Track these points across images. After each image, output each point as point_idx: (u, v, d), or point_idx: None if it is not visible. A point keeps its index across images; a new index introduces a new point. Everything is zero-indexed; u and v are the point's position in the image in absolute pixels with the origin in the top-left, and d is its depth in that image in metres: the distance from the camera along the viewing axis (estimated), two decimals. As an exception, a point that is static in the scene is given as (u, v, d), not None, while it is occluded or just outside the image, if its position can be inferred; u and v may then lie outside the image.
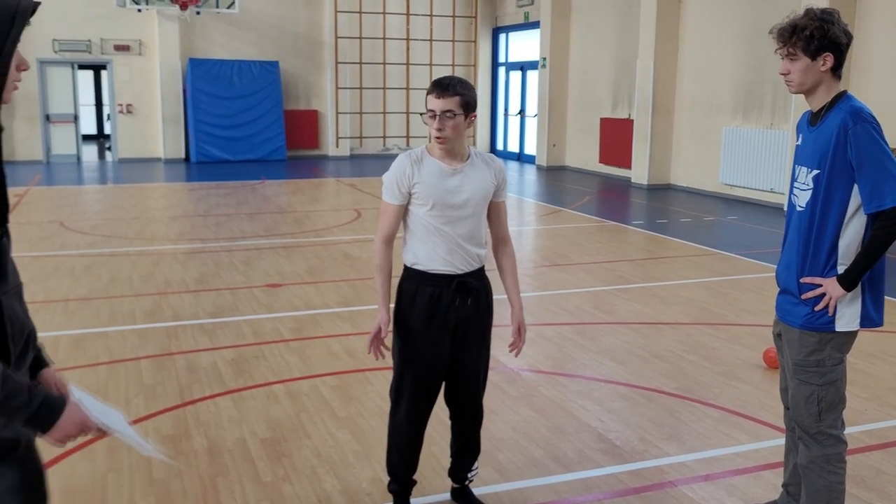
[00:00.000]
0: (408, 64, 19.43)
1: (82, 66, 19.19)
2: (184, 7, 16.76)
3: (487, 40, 20.66)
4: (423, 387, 3.23)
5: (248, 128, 18.01)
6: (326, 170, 17.14)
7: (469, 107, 3.05)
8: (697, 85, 13.77)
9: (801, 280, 2.87)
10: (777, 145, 12.07)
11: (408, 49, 19.42)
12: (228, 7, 17.55)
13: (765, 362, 5.20)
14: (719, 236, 10.05)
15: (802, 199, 2.88)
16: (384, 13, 19.16)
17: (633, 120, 14.94)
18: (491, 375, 4.93)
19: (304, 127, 19.13)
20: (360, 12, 18.81)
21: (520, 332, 3.36)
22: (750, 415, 4.45)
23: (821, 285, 2.82)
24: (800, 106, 11.16)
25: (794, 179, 2.95)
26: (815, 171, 2.81)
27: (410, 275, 3.17)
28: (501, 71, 20.64)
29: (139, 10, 17.17)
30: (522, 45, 19.62)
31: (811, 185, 2.83)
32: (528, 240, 9.96)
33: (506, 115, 20.54)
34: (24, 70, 1.92)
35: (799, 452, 3.02)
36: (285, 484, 3.62)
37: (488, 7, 20.44)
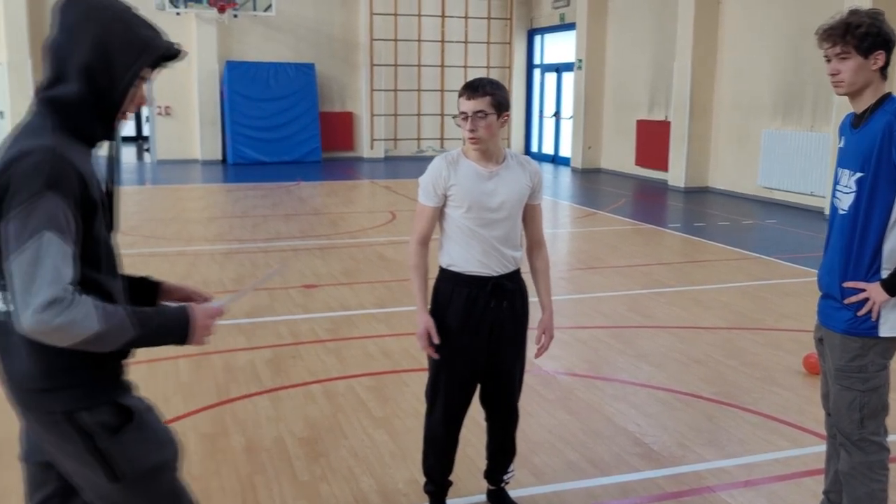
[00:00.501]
0: (442, 66, 19.46)
1: (122, 69, 19.45)
2: (221, 10, 16.96)
3: (523, 42, 20.61)
4: (459, 388, 3.23)
5: (283, 130, 18.16)
6: (361, 171, 17.22)
7: (501, 106, 3.04)
8: (736, 86, 13.60)
9: (844, 284, 2.82)
10: (818, 148, 11.88)
11: (442, 51, 19.45)
12: (265, 10, 17.72)
13: (805, 368, 5.11)
14: (758, 240, 9.92)
15: (845, 202, 2.83)
16: (419, 15, 19.21)
17: (670, 122, 14.81)
18: (527, 378, 4.91)
19: (339, 129, 19.25)
20: (396, 14, 18.89)
21: (545, 335, 3.33)
22: (790, 421, 4.38)
23: (864, 290, 2.77)
24: (842, 108, 10.96)
25: (836, 182, 2.90)
26: (859, 174, 2.76)
27: (446, 276, 3.17)
28: (536, 73, 20.58)
29: (178, 14, 17.40)
30: (558, 47, 19.54)
31: (854, 189, 2.78)
32: (563, 242, 9.91)
33: (541, 116, 20.47)
34: (141, 105, 2.03)
35: (840, 459, 2.97)
36: (322, 483, 3.64)
37: (524, 9, 20.40)
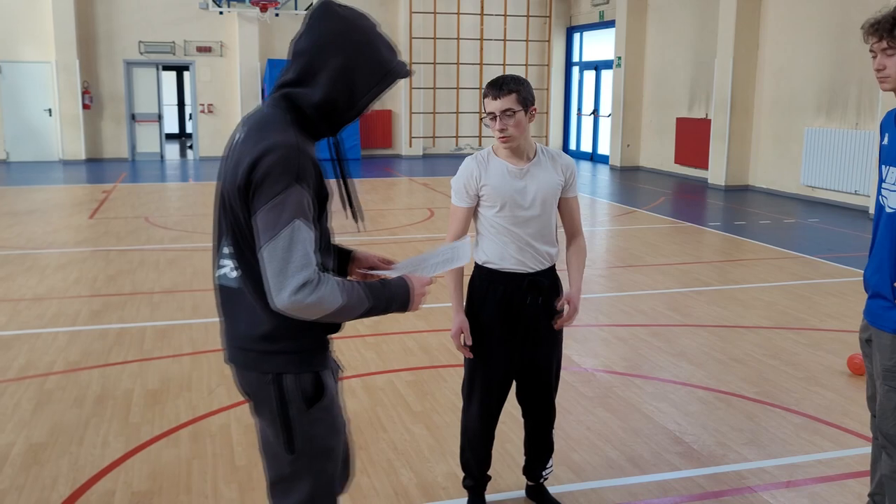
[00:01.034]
0: (481, 64, 19.45)
1: (166, 68, 19.83)
2: (263, 9, 17.16)
3: (561, 40, 20.53)
4: (495, 384, 3.25)
5: (323, 127, 18.31)
6: (400, 169, 17.31)
7: (527, 102, 3.04)
8: (778, 84, 13.41)
9: (895, 284, 2.77)
10: (862, 146, 11.67)
11: (481, 49, 19.45)
12: (306, 9, 17.87)
13: (849, 369, 5.05)
14: (800, 239, 9.78)
15: (894, 200, 2.77)
16: (458, 13, 19.23)
17: (710, 120, 14.65)
18: (566, 375, 4.93)
19: (378, 126, 19.36)
20: (435, 13, 18.93)
21: (570, 305, 3.18)
22: (833, 422, 4.33)
23: None
24: (888, 105, 10.75)
25: (882, 180, 2.85)
26: None
27: (482, 273, 3.19)
28: (575, 70, 20.49)
29: (220, 13, 17.65)
30: (597, 45, 19.43)
31: None
32: (601, 240, 9.87)
33: (579, 114, 20.38)
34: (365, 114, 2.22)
35: (882, 462, 2.92)
36: (363, 476, 3.68)
37: (563, 6, 20.31)
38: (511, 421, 3.89)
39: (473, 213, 3.18)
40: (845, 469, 3.82)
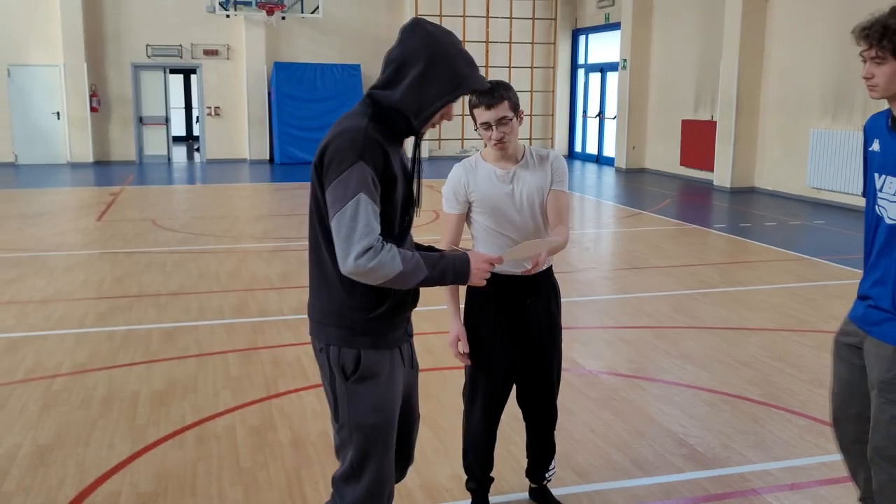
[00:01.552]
0: (487, 66, 19.47)
1: (173, 71, 19.89)
2: (270, 13, 17.23)
3: (567, 42, 20.54)
4: (497, 388, 3.26)
5: (330, 130, 18.34)
6: (405, 171, 17.30)
7: (517, 106, 3.03)
8: (784, 85, 13.38)
9: None
10: (869, 148, 11.63)
11: (487, 52, 19.48)
12: (313, 12, 17.94)
13: (854, 371, 5.03)
14: (806, 241, 9.76)
15: (894, 210, 2.67)
16: (464, 16, 19.27)
17: (715, 121, 14.63)
18: (569, 377, 4.94)
19: (383, 129, 19.37)
20: (440, 15, 18.96)
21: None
22: (838, 424, 4.32)
23: None
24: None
25: (877, 190, 2.74)
26: None
27: None
28: (581, 73, 20.49)
29: (227, 17, 17.72)
30: (602, 47, 19.43)
31: None
32: (606, 242, 9.87)
33: (585, 117, 20.37)
34: (448, 120, 2.47)
35: (873, 475, 2.81)
36: (367, 477, 3.69)
37: (568, 9, 20.32)
38: (514, 423, 3.89)
39: (467, 220, 3.19)
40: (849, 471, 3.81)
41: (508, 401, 3.34)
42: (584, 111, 20.34)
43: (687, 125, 15.95)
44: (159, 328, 5.99)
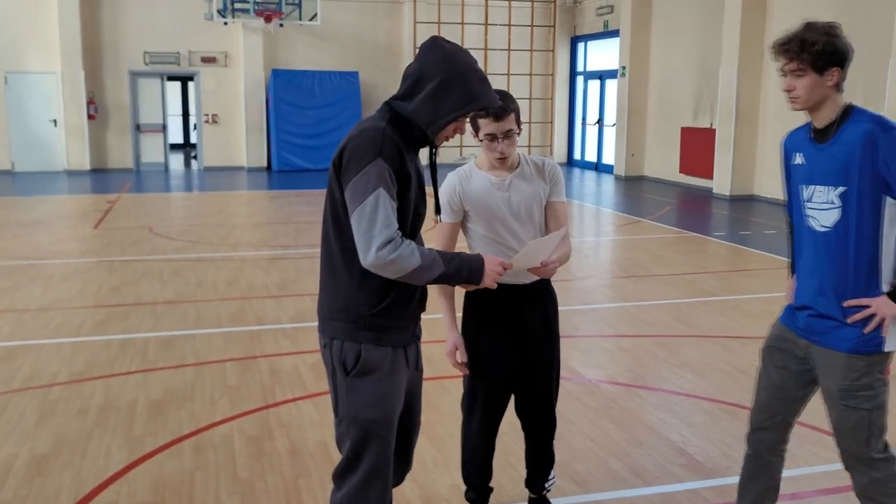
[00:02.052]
0: (486, 74, 19.48)
1: (171, 78, 19.92)
2: (268, 20, 17.24)
3: (566, 49, 20.57)
4: (496, 398, 3.25)
5: (328, 137, 18.36)
6: (403, 179, 17.31)
7: (520, 117, 3.02)
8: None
9: (846, 304, 2.69)
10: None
11: (486, 59, 19.50)
12: (311, 19, 17.96)
13: (854, 379, 5.02)
14: (805, 249, 9.74)
15: (826, 219, 2.70)
16: (462, 24, 19.30)
17: (715, 129, 14.65)
18: (569, 386, 4.92)
19: (382, 136, 19.38)
20: (439, 23, 19.00)
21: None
22: (839, 433, 4.31)
23: (868, 306, 2.65)
24: (893, 114, 10.74)
25: (805, 201, 2.79)
26: (841, 189, 2.65)
27: (477, 288, 3.16)
28: (580, 80, 20.52)
29: (225, 24, 17.74)
30: (601, 54, 19.47)
31: (839, 204, 2.66)
32: (606, 250, 9.86)
33: (584, 124, 20.40)
34: (460, 134, 2.60)
35: (852, 481, 2.88)
36: (365, 487, 3.67)
37: (567, 16, 20.37)
38: (513, 432, 3.87)
39: (464, 229, 3.17)
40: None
41: (507, 410, 3.32)
42: (583, 118, 20.37)
43: (686, 133, 15.97)
44: (156, 337, 5.96)
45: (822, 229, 2.73)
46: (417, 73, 2.44)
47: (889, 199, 2.62)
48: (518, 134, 3.03)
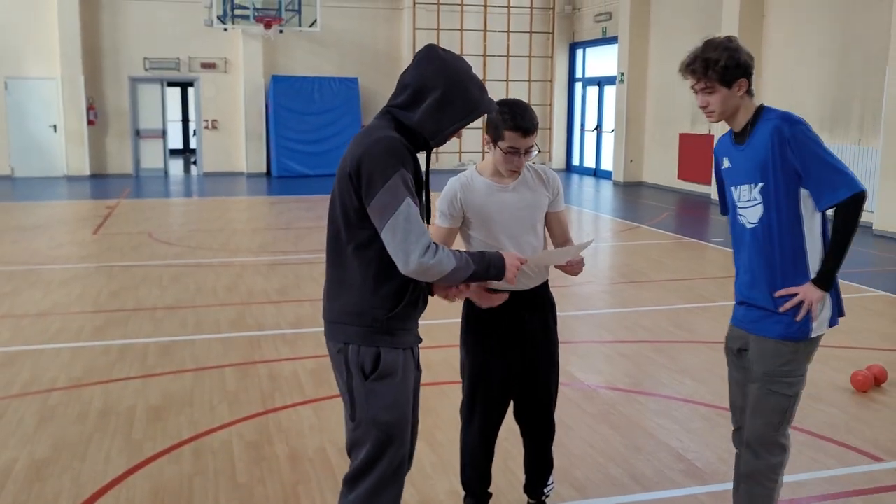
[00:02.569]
0: (484, 80, 19.52)
1: (171, 84, 19.94)
2: (268, 26, 17.27)
3: (564, 56, 20.62)
4: (495, 402, 3.26)
5: (327, 143, 18.38)
6: (403, 184, 17.31)
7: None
8: (781, 100, 13.42)
9: (777, 294, 2.83)
10: (866, 162, 11.67)
11: (485, 65, 19.54)
12: (310, 26, 17.99)
13: (853, 385, 5.04)
14: (804, 255, 9.76)
15: (752, 215, 2.86)
16: (461, 30, 19.35)
17: (713, 135, 14.68)
18: (568, 392, 4.92)
19: (381, 142, 19.40)
20: (438, 29, 19.04)
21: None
22: (837, 439, 4.32)
23: (796, 294, 2.80)
24: (890, 122, 10.78)
25: (736, 201, 2.93)
26: (761, 185, 2.81)
27: None
28: (578, 86, 20.56)
29: (225, 30, 17.77)
30: (599, 61, 19.51)
31: (760, 199, 2.82)
32: (604, 256, 9.88)
33: (582, 130, 20.43)
34: (458, 137, 2.61)
35: (743, 461, 3.00)
36: (364, 493, 3.67)
37: (565, 23, 20.42)
38: (513, 437, 3.88)
39: (463, 235, 3.18)
40: (849, 486, 3.80)
41: (506, 415, 3.33)
42: (582, 125, 20.40)
43: (684, 139, 16.00)
44: (156, 342, 5.97)
45: (751, 226, 2.88)
46: (417, 83, 2.46)
47: (804, 190, 2.76)
48: (539, 151, 3.08)
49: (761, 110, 2.86)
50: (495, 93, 3.57)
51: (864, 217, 10.03)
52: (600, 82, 19.44)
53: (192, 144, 22.49)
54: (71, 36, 17.31)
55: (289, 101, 18.30)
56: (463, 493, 3.43)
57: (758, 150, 2.81)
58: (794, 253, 2.81)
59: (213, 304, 7.11)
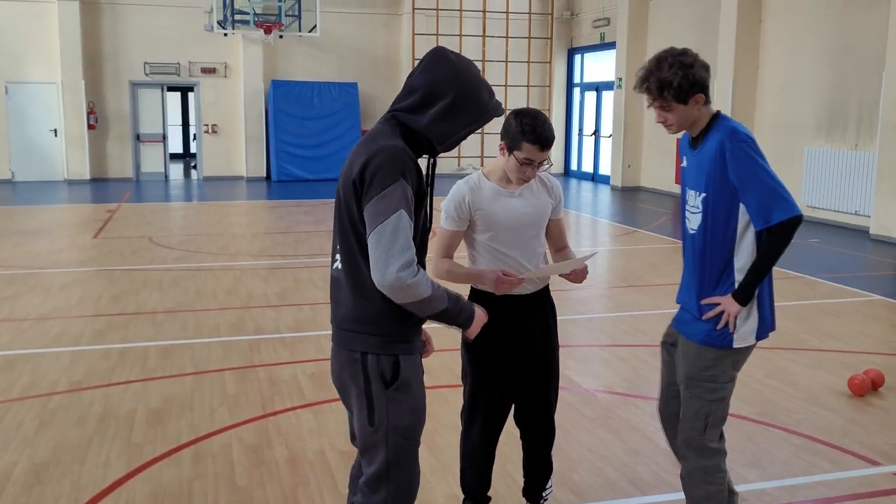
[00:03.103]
0: (483, 84, 19.56)
1: (171, 88, 19.98)
2: (268, 31, 17.31)
3: (563, 61, 20.67)
4: (497, 408, 3.28)
5: (327, 147, 18.42)
6: (402, 189, 17.33)
7: None
8: (778, 104, 13.48)
9: (702, 302, 2.91)
10: (863, 166, 11.71)
11: (483, 70, 19.57)
12: (310, 31, 18.04)
13: (849, 389, 5.06)
14: (801, 259, 9.79)
15: (694, 222, 2.92)
16: (460, 35, 19.39)
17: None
18: (566, 396, 4.94)
19: (380, 146, 19.43)
20: (437, 34, 19.09)
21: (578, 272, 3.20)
22: (834, 443, 4.34)
23: (718, 304, 2.87)
24: (887, 127, 10.82)
25: (685, 203, 3.00)
26: (703, 195, 2.86)
27: (479, 298, 3.20)
28: (576, 91, 20.61)
29: (225, 35, 17.80)
30: (597, 66, 19.56)
31: (700, 209, 2.88)
32: (602, 260, 9.90)
33: (580, 135, 20.47)
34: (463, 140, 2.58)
35: (682, 465, 3.07)
36: (363, 496, 3.69)
37: (564, 28, 20.47)
38: (512, 441, 3.90)
39: (468, 239, 3.20)
40: (846, 490, 3.82)
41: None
42: (580, 129, 20.44)
43: (682, 144, 16.01)
44: (156, 346, 5.99)
45: (692, 231, 2.95)
46: (426, 87, 2.43)
47: (742, 206, 2.80)
48: (551, 164, 3.14)
49: (715, 118, 2.89)
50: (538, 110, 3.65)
51: (861, 221, 10.11)
52: (598, 87, 19.48)
53: (193, 149, 22.52)
54: (72, 40, 17.35)
55: (288, 105, 18.33)
56: (462, 497, 3.45)
57: (704, 161, 2.87)
58: (723, 265, 2.87)
59: (212, 307, 7.13)
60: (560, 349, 3.41)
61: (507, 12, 19.80)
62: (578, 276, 3.17)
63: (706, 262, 2.90)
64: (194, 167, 20.45)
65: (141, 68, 18.20)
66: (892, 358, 5.83)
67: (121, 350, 5.87)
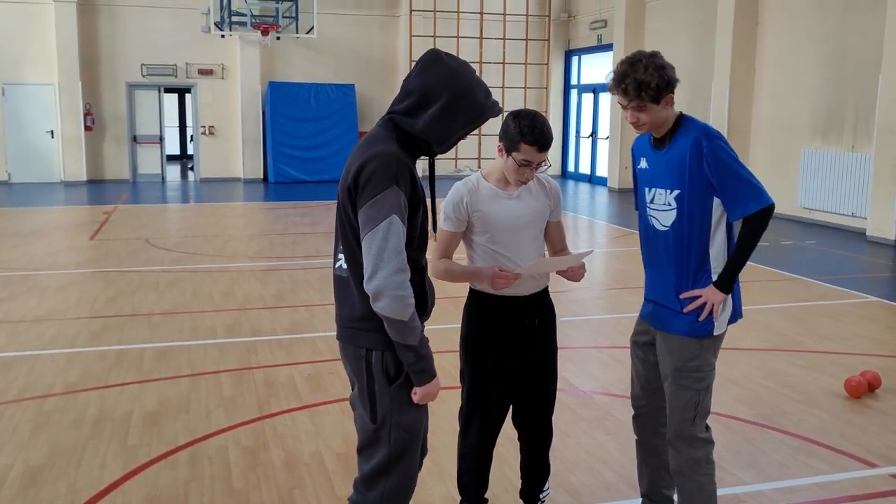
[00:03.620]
0: (481, 86, 19.56)
1: (168, 90, 19.95)
2: (265, 33, 17.31)
3: (560, 63, 20.68)
4: (494, 409, 3.27)
5: (324, 149, 18.41)
6: (399, 190, 17.32)
7: None
8: (775, 106, 13.50)
9: (682, 296, 3.00)
10: (859, 168, 11.73)
11: (481, 72, 19.54)
12: (307, 32, 18.03)
13: (846, 391, 5.06)
14: (797, 261, 9.81)
15: (665, 219, 3.01)
16: (458, 37, 19.40)
17: (708, 142, 14.72)
18: (563, 398, 4.93)
19: (377, 148, 19.43)
20: (434, 36, 19.09)
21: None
22: (830, 444, 4.34)
23: (700, 296, 2.96)
24: (884, 128, 10.84)
25: (648, 202, 3.08)
26: (676, 192, 2.96)
27: (477, 299, 3.21)
28: (573, 93, 20.62)
29: (222, 36, 17.79)
30: (595, 68, 19.57)
31: (674, 205, 2.97)
32: (599, 262, 9.90)
33: (577, 137, 20.48)
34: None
35: (670, 458, 3.12)
36: (360, 498, 3.68)
37: (561, 30, 20.49)
38: (509, 443, 3.89)
39: (466, 240, 3.20)
40: (843, 492, 3.82)
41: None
42: (577, 131, 20.45)
43: (679, 145, 16.02)
44: (152, 348, 5.97)
45: (663, 229, 3.02)
46: (422, 89, 2.44)
47: (717, 199, 2.92)
48: (549, 166, 3.14)
49: (681, 119, 3.00)
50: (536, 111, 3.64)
51: (857, 223, 10.14)
52: (595, 89, 19.49)
53: (190, 150, 22.49)
54: (68, 42, 17.33)
55: (285, 107, 18.33)
56: (459, 499, 3.44)
57: (677, 159, 2.95)
58: (700, 257, 2.98)
59: (209, 309, 7.12)
60: (558, 351, 3.40)
61: (504, 14, 19.81)
62: (575, 273, 3.18)
63: (683, 256, 2.99)
64: (191, 169, 20.44)
65: (138, 70, 18.18)
66: (889, 359, 5.83)
67: (117, 352, 5.86)
